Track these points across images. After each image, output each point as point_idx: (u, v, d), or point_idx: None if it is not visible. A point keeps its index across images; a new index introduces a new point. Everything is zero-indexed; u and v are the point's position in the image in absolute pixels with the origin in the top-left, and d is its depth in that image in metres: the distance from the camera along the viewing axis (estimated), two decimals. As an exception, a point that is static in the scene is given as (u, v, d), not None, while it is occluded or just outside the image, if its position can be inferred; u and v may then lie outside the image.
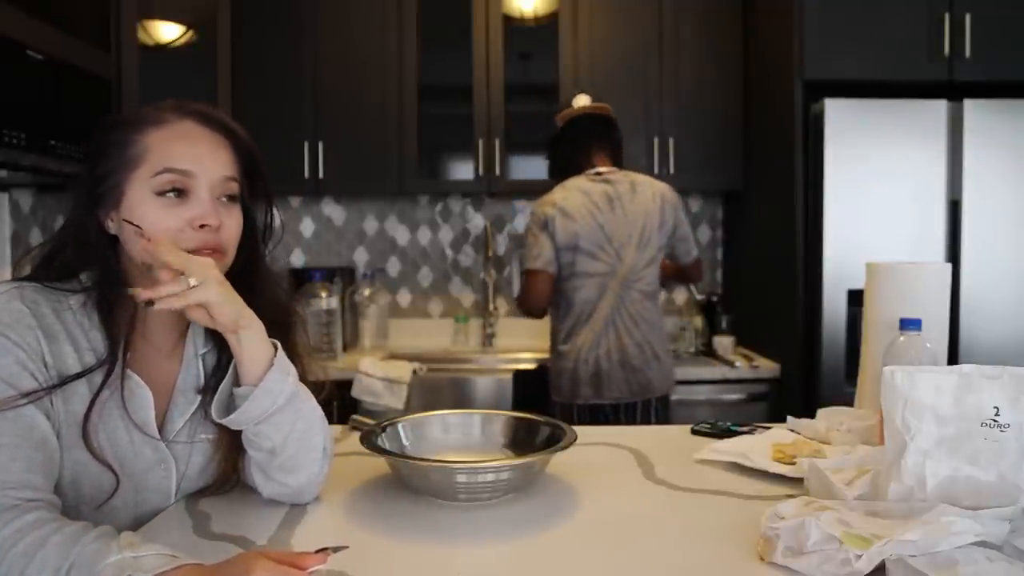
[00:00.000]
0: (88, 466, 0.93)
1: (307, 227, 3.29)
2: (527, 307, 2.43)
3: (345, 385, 2.61)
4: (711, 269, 3.30)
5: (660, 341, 2.38)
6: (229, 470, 1.06)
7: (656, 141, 2.94)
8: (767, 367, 2.72)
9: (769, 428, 1.40)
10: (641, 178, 2.40)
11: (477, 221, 3.31)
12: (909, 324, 1.18)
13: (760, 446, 1.25)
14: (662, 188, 2.40)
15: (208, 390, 1.03)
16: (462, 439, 1.23)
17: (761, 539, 0.85)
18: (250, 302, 0.96)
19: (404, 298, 3.31)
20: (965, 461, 0.87)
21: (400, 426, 1.21)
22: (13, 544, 0.76)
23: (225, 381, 0.99)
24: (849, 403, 1.40)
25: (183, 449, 1.03)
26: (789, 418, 1.39)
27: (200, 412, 1.04)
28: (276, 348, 0.98)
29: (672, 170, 2.93)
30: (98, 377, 0.93)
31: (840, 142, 2.45)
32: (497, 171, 2.95)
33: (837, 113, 2.45)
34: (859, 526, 0.80)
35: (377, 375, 2.64)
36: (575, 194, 2.32)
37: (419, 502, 1.05)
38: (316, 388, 1.06)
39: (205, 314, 0.91)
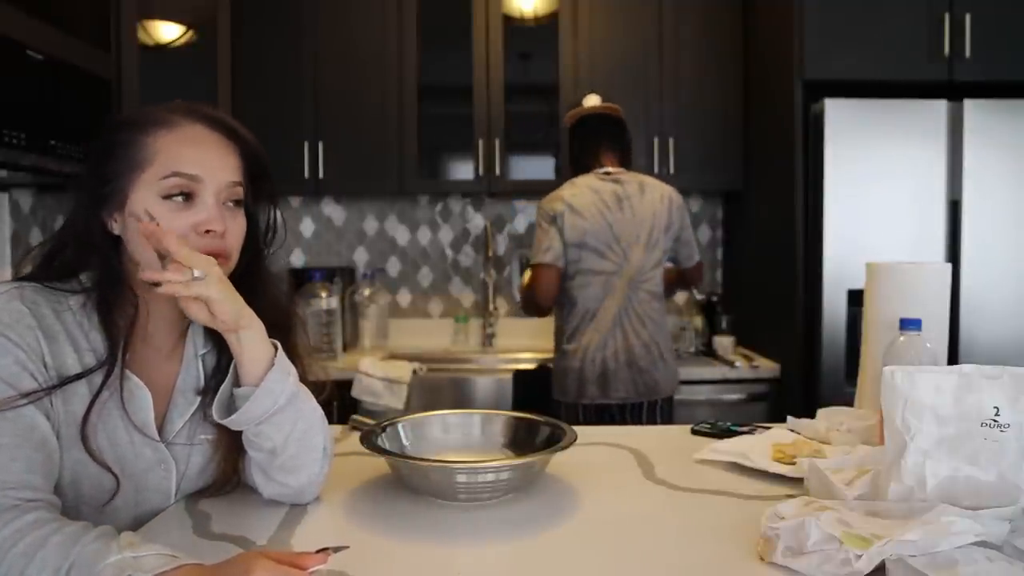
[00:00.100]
0: (88, 466, 0.93)
1: (307, 227, 3.29)
2: (533, 302, 2.39)
3: (345, 385, 2.61)
4: (711, 269, 3.30)
5: (666, 342, 2.38)
6: (229, 471, 1.06)
7: (656, 141, 2.94)
8: (767, 367, 2.72)
9: (769, 428, 1.40)
10: (649, 180, 2.40)
11: (477, 221, 3.31)
12: (909, 324, 1.18)
13: (760, 446, 1.25)
14: (669, 190, 2.40)
15: (208, 391, 1.03)
16: (462, 439, 1.23)
17: (761, 539, 0.85)
18: (251, 304, 0.96)
19: (404, 298, 3.31)
20: (965, 461, 0.87)
21: (400, 426, 1.21)
22: (13, 544, 0.76)
23: (226, 382, 0.99)
24: (849, 403, 1.40)
25: (183, 450, 1.03)
26: (789, 418, 1.39)
27: (200, 413, 1.04)
28: (276, 348, 0.98)
29: (672, 170, 2.93)
30: (98, 378, 0.93)
31: (840, 142, 2.45)
32: (497, 171, 2.95)
33: (837, 113, 2.45)
34: (859, 526, 0.80)
35: (377, 375, 2.64)
36: (584, 191, 2.32)
37: (419, 502, 1.05)
38: (317, 388, 1.06)
39: (206, 312, 0.91)
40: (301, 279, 2.97)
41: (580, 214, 2.29)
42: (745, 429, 1.41)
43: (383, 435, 1.16)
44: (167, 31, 2.38)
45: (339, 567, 0.82)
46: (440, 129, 3.06)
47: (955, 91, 2.49)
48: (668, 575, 0.84)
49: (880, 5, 2.49)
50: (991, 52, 2.49)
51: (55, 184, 2.16)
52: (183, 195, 0.95)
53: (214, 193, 0.97)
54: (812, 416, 1.36)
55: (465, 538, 0.95)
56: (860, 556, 0.76)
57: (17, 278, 0.97)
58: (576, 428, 1.15)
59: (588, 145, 2.42)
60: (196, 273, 0.89)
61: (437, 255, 3.32)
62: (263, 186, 1.06)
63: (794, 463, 1.13)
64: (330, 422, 1.07)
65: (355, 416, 1.49)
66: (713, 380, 2.71)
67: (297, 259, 3.28)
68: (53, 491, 0.87)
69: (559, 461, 1.14)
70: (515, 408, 2.55)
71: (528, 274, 2.51)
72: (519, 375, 2.69)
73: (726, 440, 1.30)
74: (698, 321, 3.08)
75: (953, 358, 2.33)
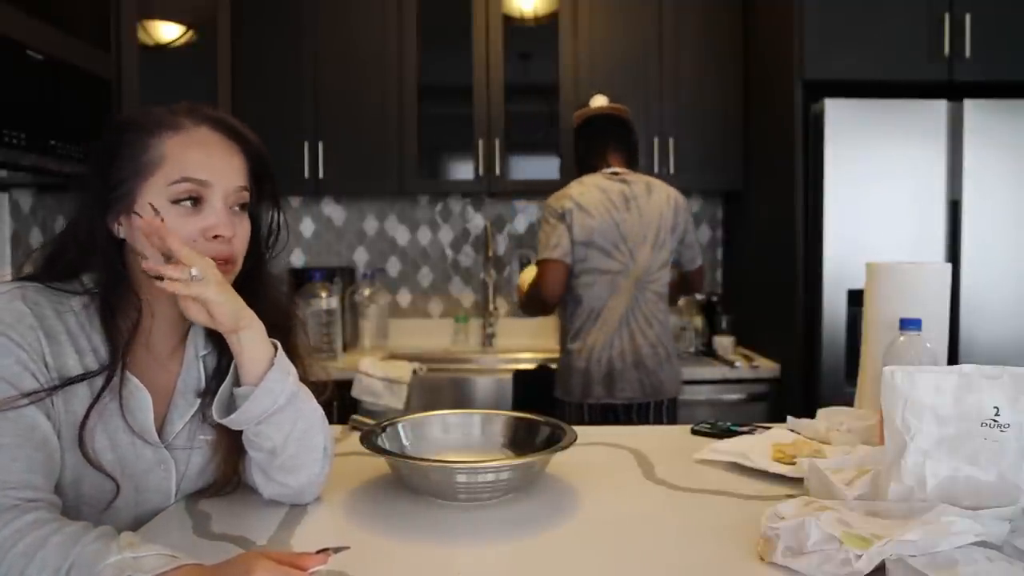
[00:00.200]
0: (88, 467, 0.93)
1: (307, 227, 3.29)
2: (539, 299, 2.35)
3: (345, 385, 2.61)
4: (711, 269, 3.30)
5: (671, 343, 2.39)
6: (229, 472, 1.06)
7: (656, 141, 2.94)
8: (767, 367, 2.72)
9: (769, 428, 1.40)
10: (655, 181, 2.41)
11: (477, 221, 3.31)
12: (909, 324, 1.18)
13: (760, 446, 1.25)
14: (675, 192, 2.41)
15: (208, 392, 1.03)
16: (462, 439, 1.23)
17: (761, 539, 0.86)
18: (252, 305, 0.96)
19: (404, 298, 3.31)
20: (965, 461, 0.87)
21: (400, 426, 1.21)
22: (13, 544, 0.76)
23: (226, 382, 0.99)
24: (849, 403, 1.40)
25: (183, 451, 1.03)
26: (789, 418, 1.39)
27: (200, 414, 1.04)
28: (276, 348, 0.98)
29: (672, 170, 2.93)
30: (99, 381, 0.93)
31: (840, 142, 2.45)
32: (497, 171, 2.95)
33: (837, 113, 2.45)
34: (859, 526, 0.80)
35: (377, 375, 2.64)
36: (592, 190, 2.32)
37: (419, 502, 1.05)
38: (318, 389, 1.06)
39: (205, 313, 0.92)
40: (301, 279, 2.97)
41: (588, 212, 2.29)
42: (745, 429, 1.41)
43: (383, 435, 1.16)
44: (167, 31, 2.38)
45: (339, 567, 0.82)
46: (440, 129, 3.06)
47: (955, 91, 2.49)
48: (668, 575, 0.84)
49: (880, 5, 2.49)
50: (991, 52, 2.49)
51: (55, 184, 2.16)
52: (192, 200, 0.95)
53: (222, 197, 0.97)
54: (812, 416, 1.36)
55: (465, 538, 0.95)
56: (860, 556, 0.76)
57: (19, 278, 0.97)
58: (576, 428, 1.15)
59: (595, 145, 2.42)
60: (194, 272, 0.89)
61: (437, 255, 3.32)
62: (266, 187, 1.06)
63: (794, 463, 1.13)
64: (330, 422, 1.07)
65: (355, 416, 1.49)
66: (713, 380, 2.71)
67: (297, 259, 3.28)
68: (54, 491, 0.87)
69: (559, 461, 1.14)
70: (515, 408, 2.55)
71: (527, 272, 2.50)
72: (519, 375, 2.69)
73: (726, 440, 1.30)
74: (698, 321, 3.08)
75: (953, 358, 2.33)
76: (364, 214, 3.29)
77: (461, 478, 1.01)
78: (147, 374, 1.00)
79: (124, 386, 0.96)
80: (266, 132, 1.07)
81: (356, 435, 1.23)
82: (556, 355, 2.51)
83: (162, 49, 2.35)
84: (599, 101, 2.54)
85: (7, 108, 1.60)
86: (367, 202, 3.29)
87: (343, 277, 3.10)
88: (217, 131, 0.99)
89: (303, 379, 1.03)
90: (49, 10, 1.75)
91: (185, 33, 2.45)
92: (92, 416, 0.92)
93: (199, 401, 1.04)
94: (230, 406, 0.97)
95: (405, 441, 1.19)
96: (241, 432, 1.00)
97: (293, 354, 1.03)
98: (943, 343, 1.28)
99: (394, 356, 2.87)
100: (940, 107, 2.45)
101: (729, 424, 1.46)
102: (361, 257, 3.30)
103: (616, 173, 2.37)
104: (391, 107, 2.93)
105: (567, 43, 2.94)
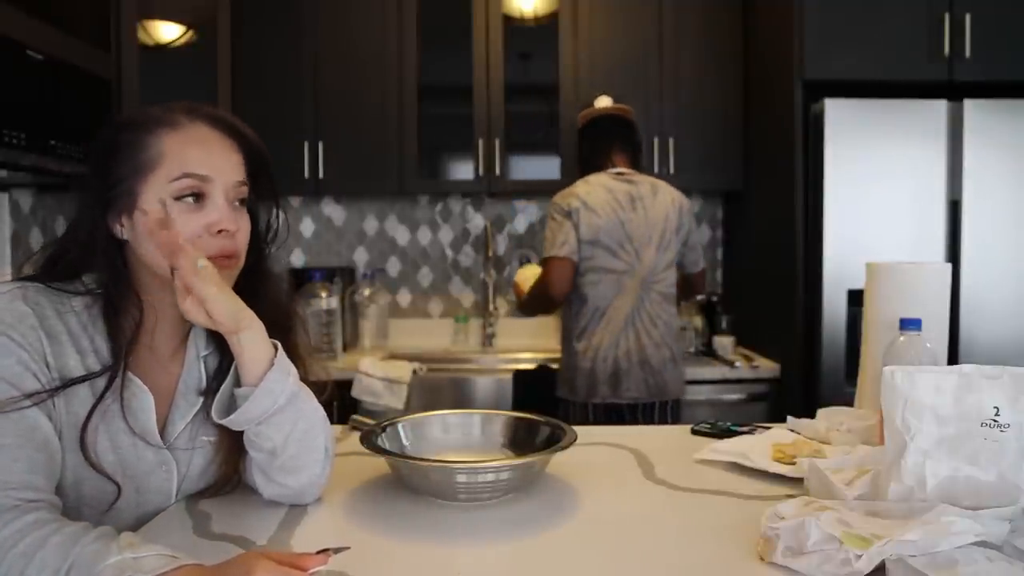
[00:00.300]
0: (89, 468, 0.92)
1: (307, 227, 3.29)
2: (545, 296, 2.35)
3: (345, 385, 2.61)
4: (711, 269, 3.30)
5: (676, 344, 2.39)
6: (230, 472, 1.06)
7: (656, 141, 2.94)
8: (767, 367, 2.72)
9: (769, 428, 1.40)
10: (660, 183, 2.41)
11: (477, 221, 3.31)
12: (909, 324, 1.18)
13: (760, 446, 1.25)
14: (679, 195, 2.41)
15: (209, 393, 1.03)
16: (462, 439, 1.23)
17: (761, 539, 0.86)
18: (252, 304, 0.96)
19: (404, 298, 3.31)
20: (965, 461, 0.87)
21: (400, 426, 1.21)
22: (13, 545, 0.76)
23: (226, 382, 0.99)
24: (849, 403, 1.40)
25: (184, 452, 1.03)
26: (789, 418, 1.39)
27: (201, 415, 1.04)
28: (276, 348, 0.98)
29: (672, 170, 2.93)
30: (100, 382, 0.93)
31: (840, 142, 2.45)
32: (497, 171, 2.95)
33: (837, 113, 2.45)
34: (859, 526, 0.80)
35: (377, 375, 2.64)
36: (599, 190, 2.32)
37: (419, 502, 1.05)
38: (318, 389, 1.06)
39: (204, 314, 0.91)
40: (301, 279, 2.97)
41: (595, 211, 2.29)
42: (745, 429, 1.41)
43: (383, 435, 1.16)
44: (167, 31, 2.38)
45: (339, 567, 0.82)
46: (440, 129, 3.06)
47: (955, 91, 2.49)
48: (668, 575, 0.84)
49: (880, 5, 2.49)
50: (991, 52, 2.49)
51: (55, 184, 2.16)
52: (194, 196, 0.95)
53: (223, 192, 0.97)
54: (812, 416, 1.36)
55: (465, 538, 0.95)
56: (860, 556, 0.76)
57: (19, 278, 0.97)
58: (576, 428, 1.15)
59: (600, 146, 2.42)
60: (200, 263, 0.90)
61: (437, 255, 3.32)
62: (264, 183, 1.06)
63: (794, 463, 1.13)
64: (330, 422, 1.07)
65: (355, 416, 1.49)
66: (713, 380, 2.71)
67: (297, 259, 3.28)
68: (55, 492, 0.87)
69: (559, 461, 1.14)
70: (515, 408, 2.55)
71: (525, 271, 2.50)
72: (519, 375, 2.69)
73: (726, 440, 1.30)
74: (698, 321, 3.08)
75: (953, 358, 2.33)
76: (364, 214, 3.29)
77: (461, 478, 1.01)
78: (149, 375, 1.00)
79: (126, 387, 0.96)
80: (266, 132, 1.07)
81: (356, 435, 1.23)
82: (556, 355, 2.52)
83: (162, 49, 2.35)
84: (604, 102, 2.54)
85: (7, 108, 1.60)
86: (367, 202, 3.29)
87: (343, 277, 3.10)
88: (215, 127, 0.99)
89: (304, 379, 1.03)
90: (49, 10, 1.75)
91: (185, 33, 2.45)
92: (94, 417, 0.92)
93: (200, 402, 1.04)
94: (230, 407, 0.97)
95: (405, 441, 1.19)
96: (242, 432, 1.00)
97: (294, 354, 1.03)
98: (943, 343, 1.28)
99: (394, 356, 2.87)
100: (940, 107, 2.45)
101: (729, 424, 1.46)
102: (361, 257, 3.30)
103: (621, 173, 2.37)
104: (391, 107, 2.93)
105: (567, 43, 2.94)
